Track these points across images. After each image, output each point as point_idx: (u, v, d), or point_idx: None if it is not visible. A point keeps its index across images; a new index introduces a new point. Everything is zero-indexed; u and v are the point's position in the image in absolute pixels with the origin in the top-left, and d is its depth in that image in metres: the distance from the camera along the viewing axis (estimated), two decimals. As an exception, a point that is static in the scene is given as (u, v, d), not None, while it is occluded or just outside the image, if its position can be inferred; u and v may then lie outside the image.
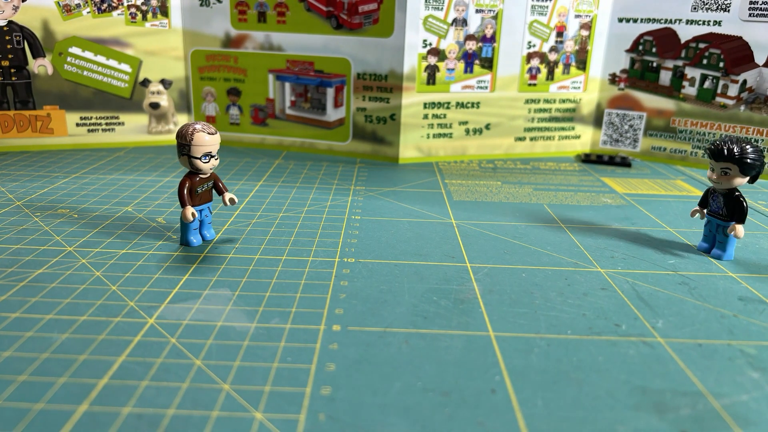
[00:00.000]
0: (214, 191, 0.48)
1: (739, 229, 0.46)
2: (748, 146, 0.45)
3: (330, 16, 0.77)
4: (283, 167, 0.74)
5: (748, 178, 0.46)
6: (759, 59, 0.74)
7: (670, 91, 0.82)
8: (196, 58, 0.83)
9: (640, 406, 0.29)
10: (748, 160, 0.44)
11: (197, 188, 0.46)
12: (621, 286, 0.42)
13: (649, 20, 0.81)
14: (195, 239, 0.47)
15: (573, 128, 0.87)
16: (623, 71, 0.85)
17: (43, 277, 0.40)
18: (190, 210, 0.45)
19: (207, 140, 0.44)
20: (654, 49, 0.82)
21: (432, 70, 0.78)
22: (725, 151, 0.45)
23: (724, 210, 0.47)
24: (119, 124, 0.83)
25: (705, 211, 0.50)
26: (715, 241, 0.49)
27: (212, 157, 0.45)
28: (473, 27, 0.78)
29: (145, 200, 0.58)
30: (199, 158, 0.44)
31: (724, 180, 0.46)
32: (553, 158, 0.85)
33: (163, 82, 0.83)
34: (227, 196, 0.48)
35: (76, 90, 0.79)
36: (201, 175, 0.46)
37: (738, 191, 0.47)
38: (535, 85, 0.83)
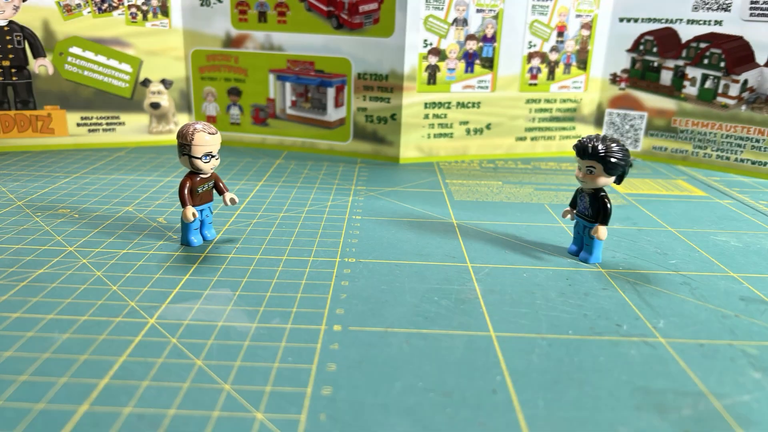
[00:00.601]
0: (214, 191, 0.48)
1: (601, 230, 0.44)
2: (614, 145, 0.43)
3: (330, 16, 0.77)
4: (284, 167, 0.74)
5: (613, 179, 0.44)
6: (760, 59, 0.74)
7: (671, 91, 0.82)
8: (197, 58, 0.83)
9: (641, 407, 0.29)
10: (613, 159, 0.42)
11: (198, 188, 0.46)
12: (622, 286, 0.42)
13: (649, 20, 0.81)
14: (196, 239, 0.47)
15: (574, 128, 0.87)
16: (624, 71, 0.85)
17: (44, 277, 0.40)
18: (190, 210, 0.45)
19: (207, 140, 0.44)
20: (655, 49, 0.82)
21: (432, 70, 0.78)
22: (590, 148, 0.43)
23: (589, 210, 0.45)
24: (120, 124, 0.83)
25: (574, 212, 0.48)
26: (583, 243, 0.47)
27: (213, 157, 0.45)
28: (474, 27, 0.78)
29: (146, 200, 0.58)
30: (200, 158, 0.44)
31: (588, 179, 0.44)
32: (554, 158, 0.85)
33: (163, 82, 0.83)
34: (228, 196, 0.48)
35: (76, 90, 0.79)
36: (201, 175, 0.46)
37: (603, 191, 0.45)
38: (535, 84, 0.83)
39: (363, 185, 0.67)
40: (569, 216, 0.48)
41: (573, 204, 0.48)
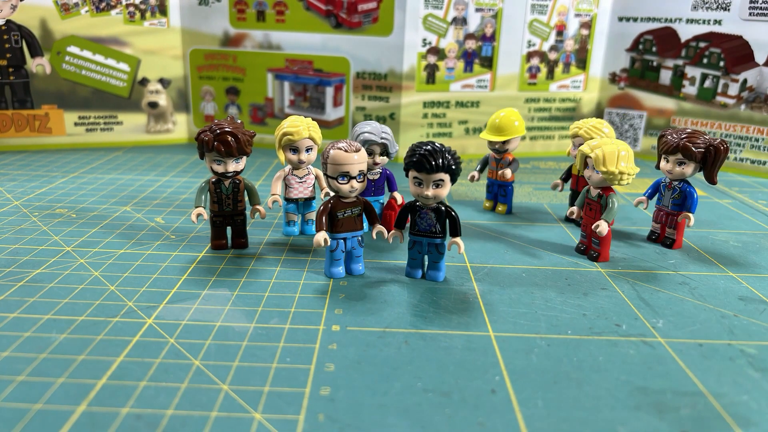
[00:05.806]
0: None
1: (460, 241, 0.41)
2: (448, 149, 0.39)
3: (329, 15, 0.77)
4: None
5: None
6: (759, 58, 0.74)
7: (670, 91, 0.82)
8: (195, 57, 0.83)
9: (640, 406, 0.29)
10: (454, 167, 0.39)
11: (338, 212, 0.41)
12: (621, 285, 0.42)
13: (649, 19, 0.81)
14: (336, 270, 0.42)
15: (573, 127, 0.87)
16: (623, 70, 0.85)
17: (42, 277, 0.40)
18: (321, 235, 0.40)
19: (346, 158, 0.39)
20: (654, 48, 0.82)
21: (431, 69, 0.78)
22: (438, 162, 0.38)
23: (437, 227, 0.41)
24: (117, 123, 0.82)
25: (401, 232, 0.43)
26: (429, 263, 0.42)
27: (352, 177, 0.40)
28: (473, 26, 0.78)
29: (144, 200, 0.58)
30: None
31: (438, 192, 0.39)
32: (554, 158, 0.85)
33: (161, 81, 0.83)
34: (376, 228, 0.43)
35: (74, 89, 0.79)
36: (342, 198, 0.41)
37: (445, 202, 0.41)
38: (535, 84, 0.83)
39: (362, 185, 0.66)
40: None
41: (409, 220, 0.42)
